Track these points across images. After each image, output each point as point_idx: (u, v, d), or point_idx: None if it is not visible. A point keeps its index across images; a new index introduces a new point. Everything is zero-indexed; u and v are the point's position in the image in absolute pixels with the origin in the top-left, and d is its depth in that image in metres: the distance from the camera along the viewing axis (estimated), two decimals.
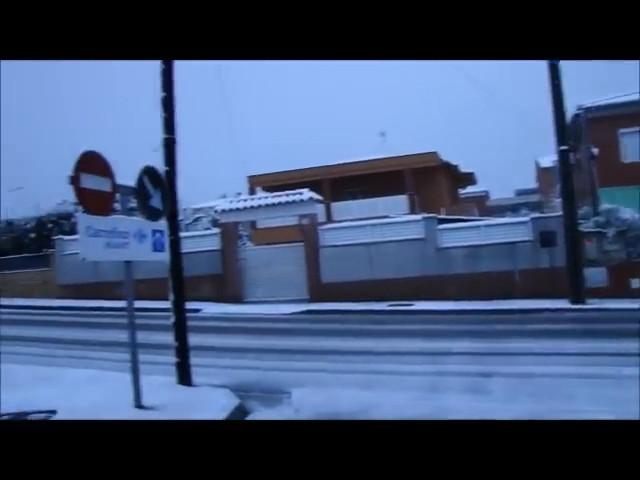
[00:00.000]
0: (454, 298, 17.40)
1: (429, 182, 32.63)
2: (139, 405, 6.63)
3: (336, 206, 32.39)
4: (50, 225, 26.95)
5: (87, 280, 23.23)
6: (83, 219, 5.89)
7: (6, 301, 24.04)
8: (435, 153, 32.12)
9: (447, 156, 33.25)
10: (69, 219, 26.63)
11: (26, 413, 6.72)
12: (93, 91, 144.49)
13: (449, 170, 35.03)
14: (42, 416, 6.60)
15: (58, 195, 29.93)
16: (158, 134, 8.26)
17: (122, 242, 6.32)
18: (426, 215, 20.39)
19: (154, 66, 8.28)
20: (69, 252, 24.53)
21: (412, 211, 29.71)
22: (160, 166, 7.76)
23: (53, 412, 6.69)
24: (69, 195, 25.08)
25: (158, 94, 8.26)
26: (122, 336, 12.52)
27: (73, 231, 25.73)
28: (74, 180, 5.78)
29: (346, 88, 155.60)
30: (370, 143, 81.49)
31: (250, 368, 9.75)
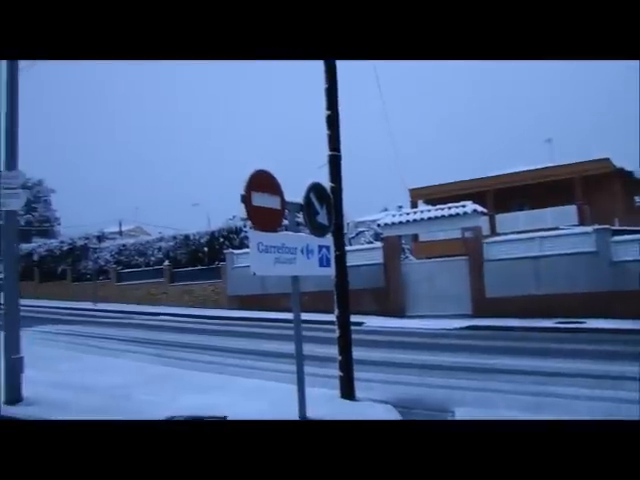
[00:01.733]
0: (630, 317, 16.05)
1: (601, 191, 30.62)
2: (303, 417, 6.74)
3: (501, 218, 31.44)
4: (221, 239, 28.44)
5: (255, 292, 24.29)
6: (254, 235, 6.10)
7: (184, 310, 25.75)
8: (608, 159, 30.12)
9: (621, 162, 31.09)
10: (238, 234, 27.98)
11: (201, 417, 7.11)
12: (260, 112, 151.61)
13: (623, 177, 32.66)
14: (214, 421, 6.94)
15: (228, 211, 31.60)
16: (323, 151, 8.45)
17: (290, 257, 6.48)
18: (598, 226, 19.12)
19: (319, 85, 8.50)
20: (238, 265, 25.79)
21: (583, 222, 28.11)
22: (325, 182, 7.93)
23: (224, 419, 7.01)
24: (238, 211, 26.39)
25: (322, 112, 8.45)
26: (286, 347, 12.92)
27: (242, 245, 27.02)
28: (246, 198, 6.01)
29: (509, 95, 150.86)
30: (536, 151, 78.31)
31: (412, 384, 9.61)
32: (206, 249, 28.88)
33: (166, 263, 30.32)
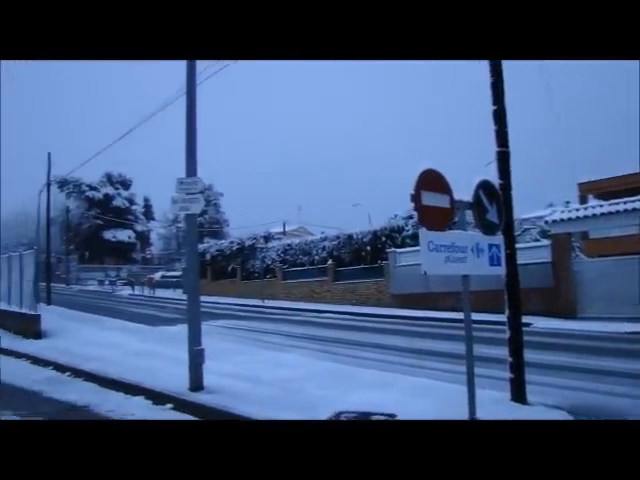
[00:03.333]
0: None
1: None
2: (473, 419, 6.63)
3: None
4: (384, 238, 28.60)
5: (418, 290, 24.15)
6: (424, 235, 6.10)
7: (348, 308, 26.20)
8: None
9: None
10: (401, 232, 27.97)
11: (370, 414, 7.23)
12: (423, 110, 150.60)
13: None
14: (383, 418, 7.02)
15: (388, 210, 31.65)
16: (489, 148, 8.27)
17: (461, 256, 6.42)
18: None
19: (484, 81, 8.33)
20: (401, 264, 25.79)
21: None
22: (494, 179, 7.74)
23: (393, 416, 7.07)
24: (399, 210, 26.37)
25: (487, 108, 8.27)
26: (450, 346, 12.77)
27: (404, 244, 27.00)
28: (416, 198, 6.03)
29: None
30: None
31: (587, 390, 9.09)
32: (369, 248, 29.19)
33: (330, 262, 31.04)
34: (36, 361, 13.17)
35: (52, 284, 32.95)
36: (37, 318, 17.31)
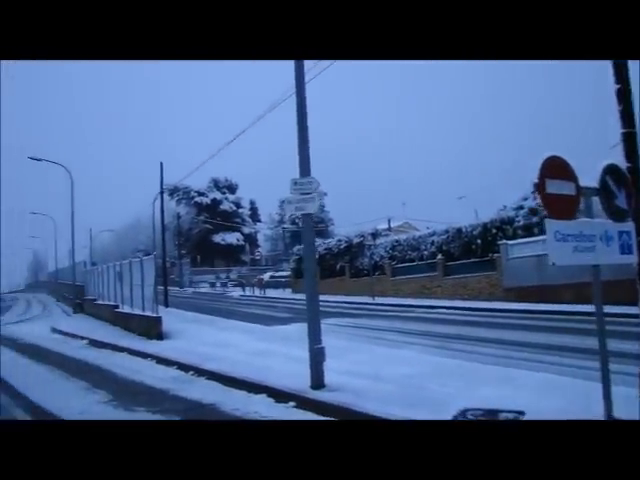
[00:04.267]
0: None
1: None
2: (610, 417, 6.30)
3: None
4: (494, 231, 27.90)
5: (533, 283, 23.43)
6: (551, 224, 5.87)
7: (457, 303, 25.75)
8: None
9: None
10: (512, 224, 27.15)
11: (497, 411, 7.04)
12: (534, 95, 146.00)
13: None
14: (512, 416, 6.83)
15: (494, 202, 30.79)
16: (612, 130, 7.86)
17: (589, 245, 6.14)
18: None
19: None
20: (514, 256, 25.10)
21: None
22: (621, 163, 7.34)
23: (522, 413, 6.86)
24: (507, 201, 25.55)
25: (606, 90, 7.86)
26: (570, 340, 12.22)
27: (516, 235, 26.22)
28: (539, 186, 5.82)
29: None
30: None
31: None
32: (479, 241, 28.56)
33: (439, 257, 30.63)
34: (160, 361, 13.75)
35: (168, 287, 34.31)
36: (159, 320, 18.13)
